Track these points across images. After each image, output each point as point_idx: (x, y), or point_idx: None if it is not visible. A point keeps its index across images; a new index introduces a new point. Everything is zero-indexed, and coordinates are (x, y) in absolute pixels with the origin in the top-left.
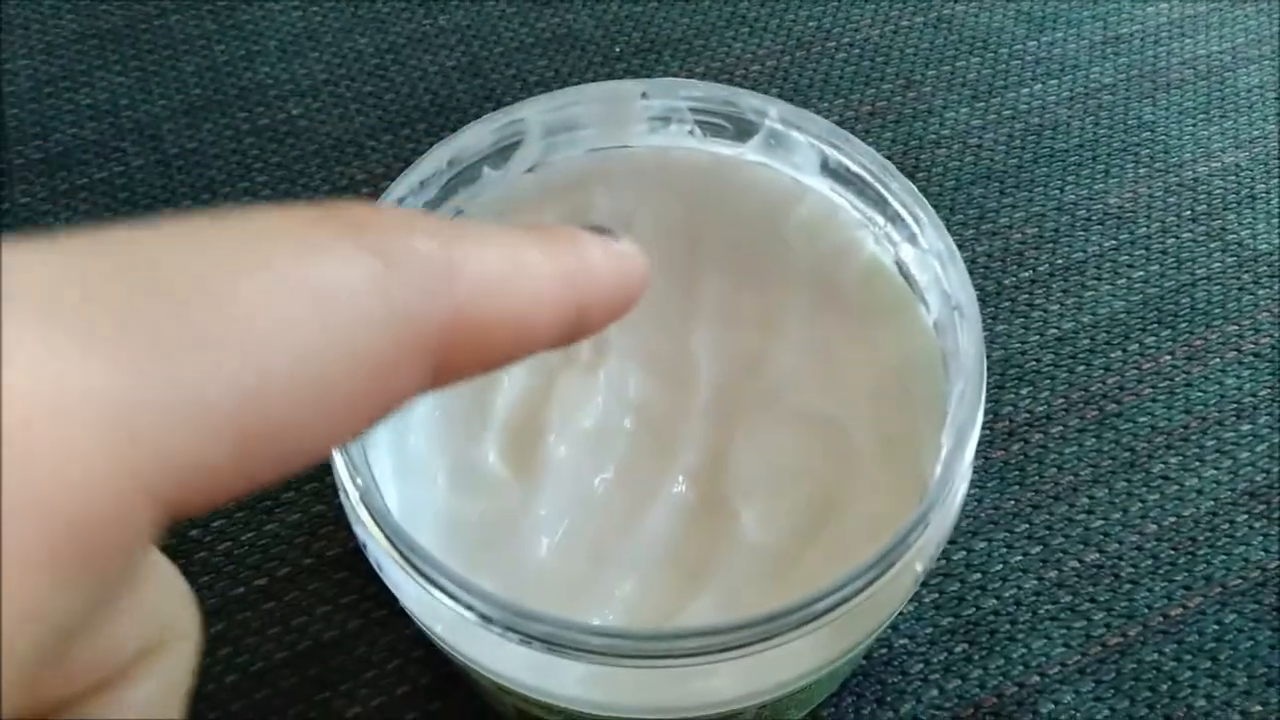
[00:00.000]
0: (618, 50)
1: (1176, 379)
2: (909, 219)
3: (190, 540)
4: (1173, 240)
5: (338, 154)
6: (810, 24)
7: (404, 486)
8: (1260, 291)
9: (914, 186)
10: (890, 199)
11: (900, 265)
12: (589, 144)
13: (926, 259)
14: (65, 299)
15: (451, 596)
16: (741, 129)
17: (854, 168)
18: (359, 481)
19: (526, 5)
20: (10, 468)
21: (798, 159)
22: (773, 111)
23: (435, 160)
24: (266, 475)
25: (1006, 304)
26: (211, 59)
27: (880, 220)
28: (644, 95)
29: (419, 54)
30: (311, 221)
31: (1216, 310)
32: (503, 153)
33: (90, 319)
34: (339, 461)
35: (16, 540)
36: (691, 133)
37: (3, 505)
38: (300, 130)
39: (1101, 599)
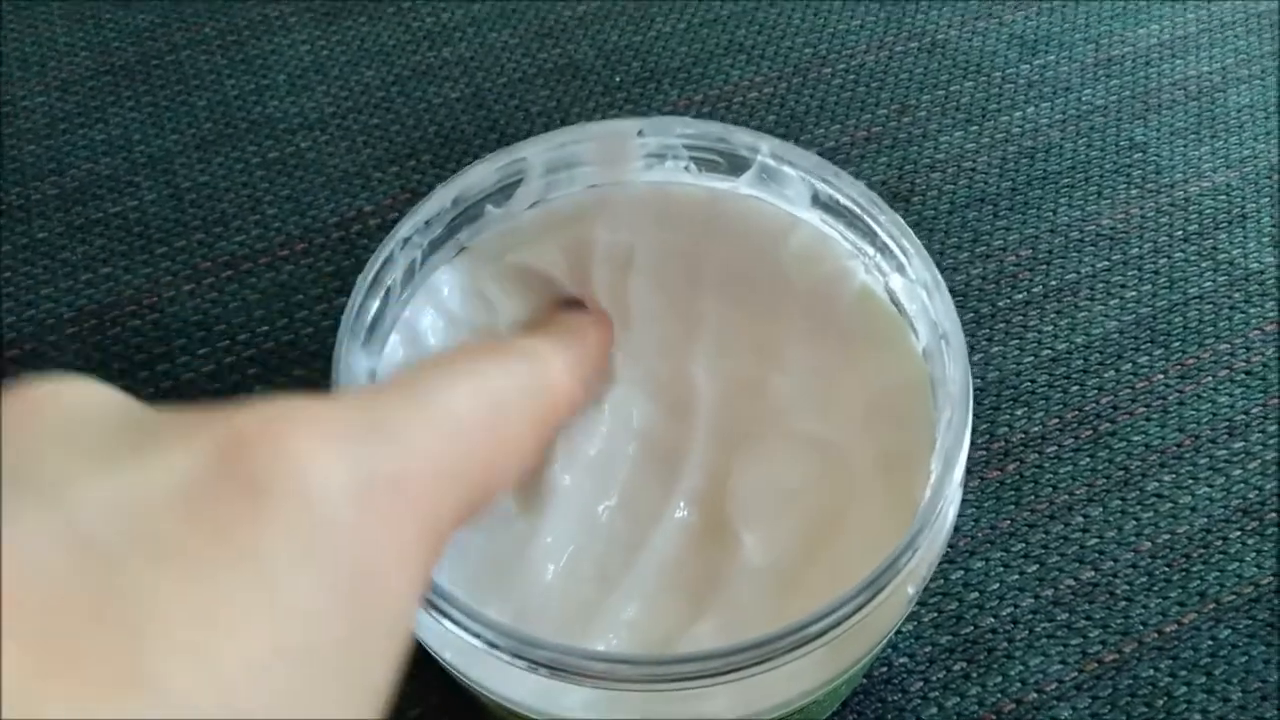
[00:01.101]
0: (618, 80)
1: (1169, 398)
2: (897, 250)
3: None
4: (1164, 260)
5: (346, 185)
6: (806, 50)
7: None
8: (1251, 310)
9: (900, 219)
10: (879, 230)
11: (891, 293)
12: (588, 180)
13: (914, 289)
14: (363, 438)
15: (459, 625)
16: (735, 164)
17: (843, 200)
18: None
19: (528, 37)
20: (408, 519)
21: (789, 192)
22: (764, 147)
23: (440, 199)
24: (486, 503)
25: (1001, 325)
26: (222, 94)
27: (870, 250)
28: (640, 133)
29: (424, 86)
30: (504, 356)
31: (1209, 329)
32: (505, 190)
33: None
34: None
35: (420, 547)
36: (687, 168)
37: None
38: (309, 163)
39: (1097, 616)
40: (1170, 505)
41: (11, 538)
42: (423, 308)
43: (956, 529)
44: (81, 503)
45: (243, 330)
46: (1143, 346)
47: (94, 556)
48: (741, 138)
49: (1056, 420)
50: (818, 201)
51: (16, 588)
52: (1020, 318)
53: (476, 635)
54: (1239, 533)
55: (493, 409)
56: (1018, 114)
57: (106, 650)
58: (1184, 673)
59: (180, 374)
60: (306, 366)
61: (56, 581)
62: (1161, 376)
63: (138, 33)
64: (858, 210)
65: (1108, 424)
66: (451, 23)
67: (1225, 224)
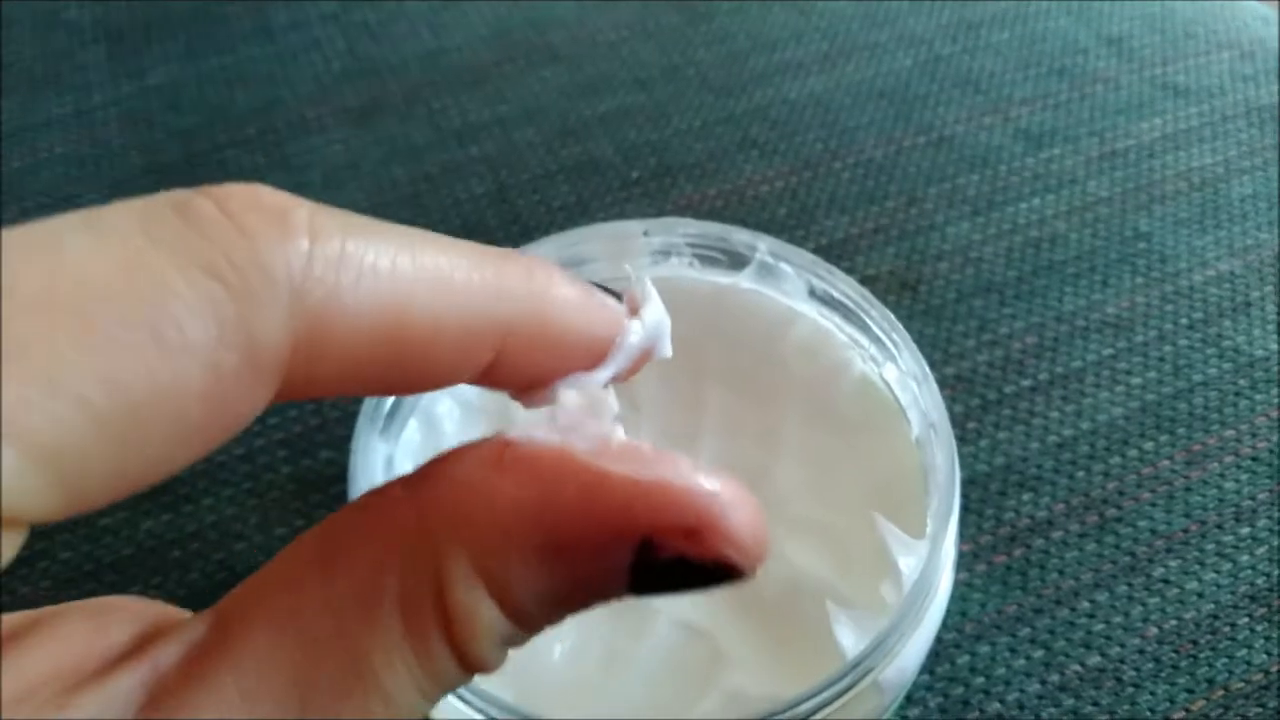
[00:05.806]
0: (635, 175)
1: (1176, 484)
2: (888, 343)
3: None
4: (1170, 347)
5: None
6: (817, 145)
7: None
8: (1257, 396)
9: (891, 314)
10: (871, 324)
11: (886, 383)
12: (598, 276)
13: (906, 380)
14: None
15: (465, 701)
16: (735, 260)
17: (838, 295)
18: None
19: (550, 135)
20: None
21: (787, 287)
22: (762, 246)
23: None
24: (138, 471)
25: (1008, 411)
26: None
27: (865, 342)
28: (645, 233)
29: (451, 183)
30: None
31: (1214, 415)
32: None
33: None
34: None
35: None
36: (690, 264)
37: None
38: None
39: (1104, 702)
40: (1177, 591)
41: None
42: (439, 395)
43: (963, 614)
44: None
45: (273, 414)
46: (1148, 432)
47: None
48: (740, 237)
49: (1063, 506)
50: (814, 295)
51: None
52: (1027, 404)
53: (481, 712)
54: (1247, 619)
55: None
56: (1024, 205)
57: None
58: None
59: (214, 456)
60: (335, 449)
61: None
62: (1168, 462)
63: (185, 133)
64: (850, 305)
65: (1114, 510)
66: (479, 123)
67: (1229, 311)
